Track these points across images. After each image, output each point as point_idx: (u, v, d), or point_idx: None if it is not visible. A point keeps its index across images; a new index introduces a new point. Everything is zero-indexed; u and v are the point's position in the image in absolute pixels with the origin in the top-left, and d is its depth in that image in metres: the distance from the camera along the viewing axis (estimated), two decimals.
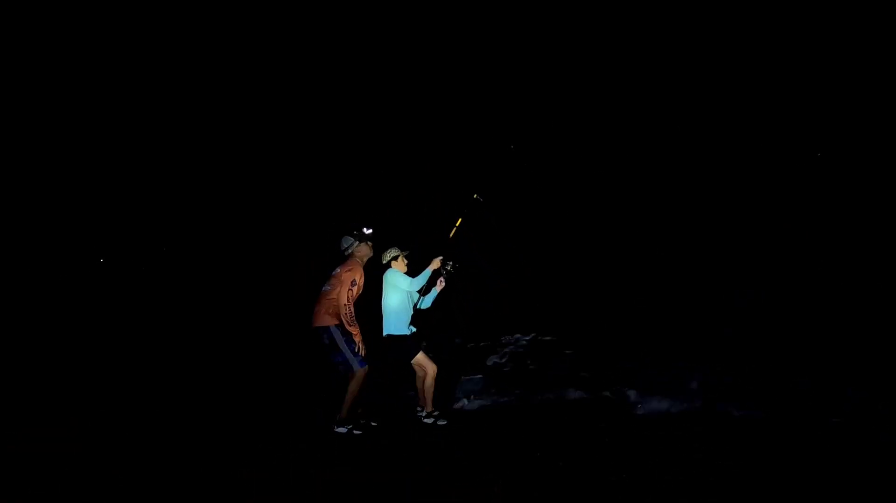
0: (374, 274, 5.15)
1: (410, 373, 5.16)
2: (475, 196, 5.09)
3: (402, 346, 4.99)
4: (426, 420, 4.98)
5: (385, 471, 3.79)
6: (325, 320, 4.80)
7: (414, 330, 5.03)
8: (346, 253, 5.04)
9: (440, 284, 5.14)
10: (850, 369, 4.97)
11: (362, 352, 4.80)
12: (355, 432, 4.72)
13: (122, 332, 8.92)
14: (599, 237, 7.94)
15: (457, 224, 5.07)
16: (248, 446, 4.51)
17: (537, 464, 3.71)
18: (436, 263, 5.02)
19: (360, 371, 4.76)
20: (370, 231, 5.07)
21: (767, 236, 6.95)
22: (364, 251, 5.04)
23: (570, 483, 3.36)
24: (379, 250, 5.19)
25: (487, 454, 4.00)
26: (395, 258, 5.16)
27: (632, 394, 5.22)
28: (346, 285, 4.80)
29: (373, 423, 4.82)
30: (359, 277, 4.88)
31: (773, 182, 7.12)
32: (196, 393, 6.40)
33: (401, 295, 5.02)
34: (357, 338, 4.80)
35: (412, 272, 5.11)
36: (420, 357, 4.99)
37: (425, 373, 4.99)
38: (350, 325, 4.78)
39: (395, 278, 5.00)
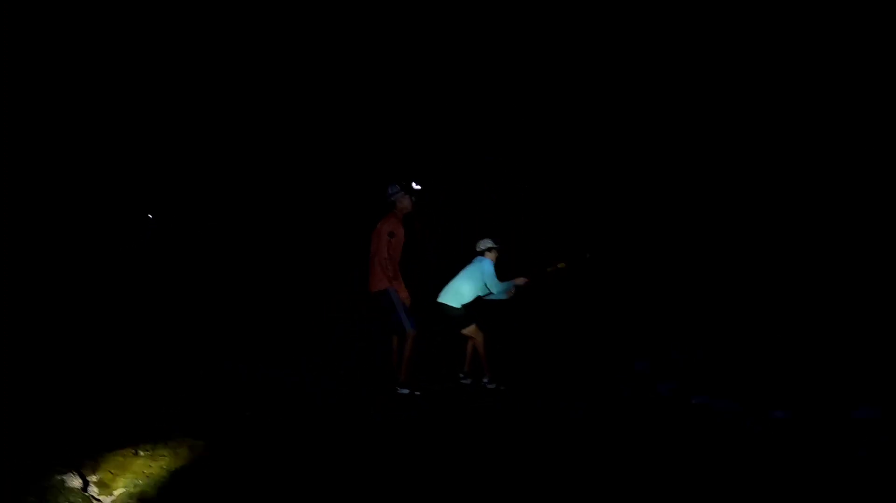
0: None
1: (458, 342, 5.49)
2: (587, 255, 5.67)
3: (454, 316, 5.25)
4: (489, 386, 5.27)
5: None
6: (382, 283, 4.92)
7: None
8: (390, 199, 5.06)
9: (509, 293, 5.41)
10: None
11: (406, 303, 4.94)
12: (416, 393, 4.92)
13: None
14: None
15: (559, 265, 5.41)
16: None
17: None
18: (521, 281, 5.35)
19: (410, 332, 4.88)
20: (418, 187, 5.19)
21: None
22: (405, 204, 5.07)
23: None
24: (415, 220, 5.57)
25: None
26: (490, 249, 5.42)
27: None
28: (384, 238, 4.88)
29: (416, 393, 4.96)
30: (396, 230, 4.94)
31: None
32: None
33: (479, 283, 5.28)
34: (402, 294, 4.93)
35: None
36: (470, 328, 5.24)
37: (475, 342, 5.27)
38: (393, 280, 4.89)
39: (485, 268, 5.26)
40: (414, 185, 5.14)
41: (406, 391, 4.90)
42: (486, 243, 5.48)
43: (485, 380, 5.33)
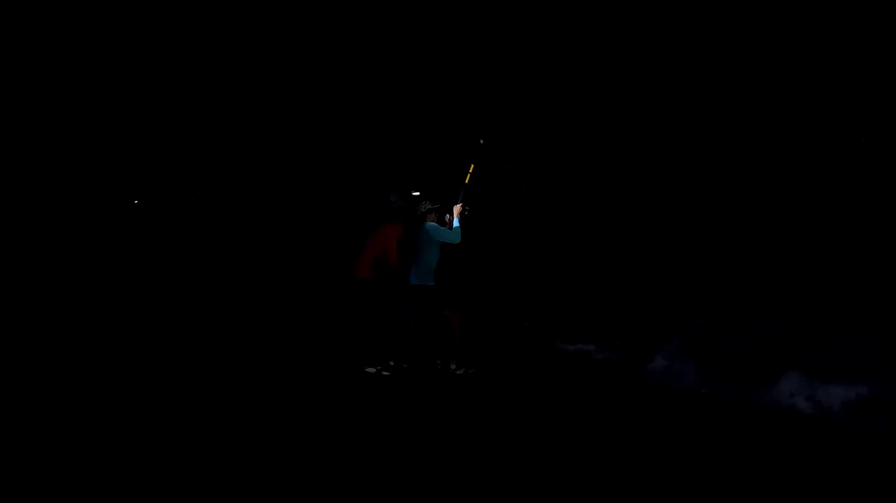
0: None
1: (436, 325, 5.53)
2: (480, 141, 5.53)
3: (430, 296, 5.32)
4: (458, 371, 5.39)
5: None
6: (368, 273, 5.34)
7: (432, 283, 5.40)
8: (393, 205, 5.53)
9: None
10: None
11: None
12: (384, 373, 5.34)
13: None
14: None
15: (470, 170, 5.46)
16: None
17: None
18: (458, 210, 5.38)
19: (401, 318, 5.35)
20: (416, 194, 5.63)
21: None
22: (407, 209, 5.55)
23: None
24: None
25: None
26: (431, 211, 5.47)
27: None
28: (393, 242, 5.36)
29: (385, 373, 5.36)
30: (400, 233, 5.45)
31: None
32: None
33: (436, 247, 5.35)
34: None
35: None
36: (450, 310, 5.43)
37: (452, 324, 5.41)
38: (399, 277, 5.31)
39: (435, 232, 5.32)
40: (413, 192, 5.63)
41: (373, 370, 5.37)
42: (426, 205, 5.52)
43: (453, 365, 5.42)
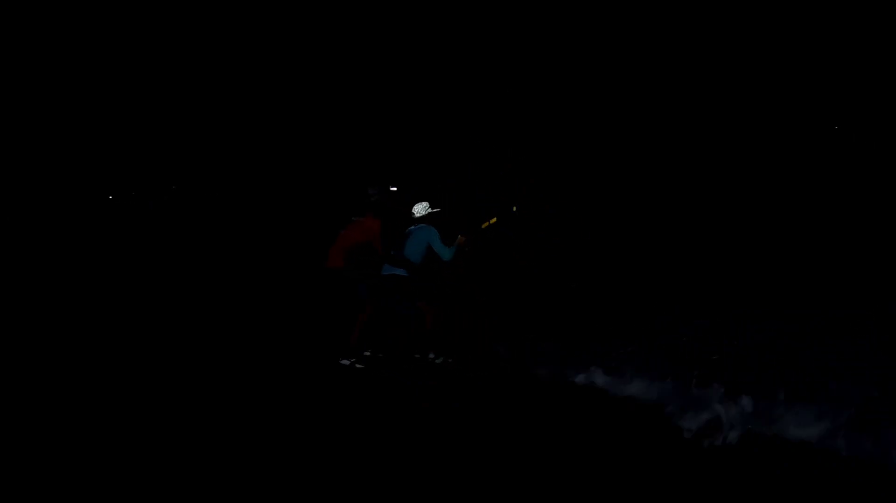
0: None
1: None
2: (514, 208, 5.66)
3: (403, 289, 5.26)
4: (437, 360, 5.41)
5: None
6: (340, 262, 5.30)
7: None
8: (372, 198, 5.47)
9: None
10: None
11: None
12: (357, 365, 5.36)
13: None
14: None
15: (491, 221, 5.51)
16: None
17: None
18: (461, 240, 5.35)
19: (369, 308, 5.38)
20: (395, 189, 5.59)
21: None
22: (386, 203, 5.51)
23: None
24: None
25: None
26: (430, 214, 5.40)
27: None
28: (377, 233, 5.31)
29: (358, 366, 5.37)
30: (380, 226, 5.40)
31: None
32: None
33: (425, 249, 5.29)
34: None
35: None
36: (424, 302, 5.38)
37: (425, 317, 5.36)
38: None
39: (432, 235, 5.25)
40: (391, 188, 5.63)
41: (347, 362, 5.38)
42: (424, 208, 5.38)
43: (431, 354, 5.43)
